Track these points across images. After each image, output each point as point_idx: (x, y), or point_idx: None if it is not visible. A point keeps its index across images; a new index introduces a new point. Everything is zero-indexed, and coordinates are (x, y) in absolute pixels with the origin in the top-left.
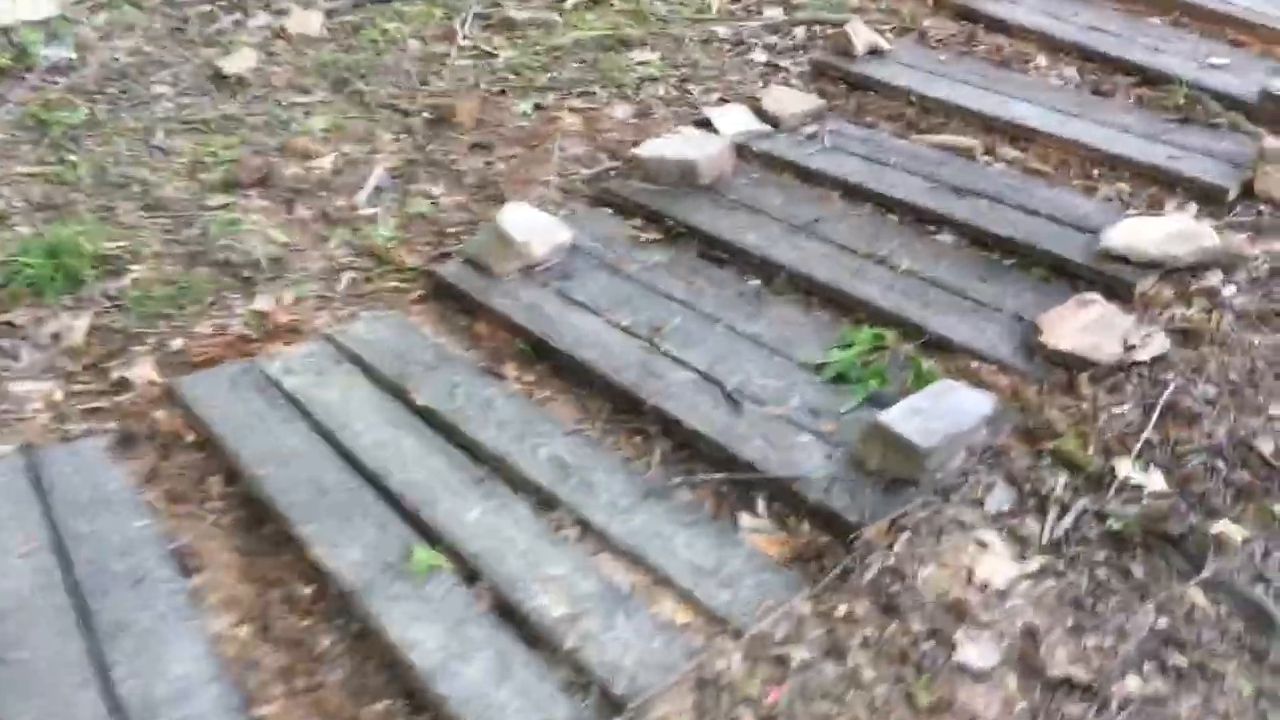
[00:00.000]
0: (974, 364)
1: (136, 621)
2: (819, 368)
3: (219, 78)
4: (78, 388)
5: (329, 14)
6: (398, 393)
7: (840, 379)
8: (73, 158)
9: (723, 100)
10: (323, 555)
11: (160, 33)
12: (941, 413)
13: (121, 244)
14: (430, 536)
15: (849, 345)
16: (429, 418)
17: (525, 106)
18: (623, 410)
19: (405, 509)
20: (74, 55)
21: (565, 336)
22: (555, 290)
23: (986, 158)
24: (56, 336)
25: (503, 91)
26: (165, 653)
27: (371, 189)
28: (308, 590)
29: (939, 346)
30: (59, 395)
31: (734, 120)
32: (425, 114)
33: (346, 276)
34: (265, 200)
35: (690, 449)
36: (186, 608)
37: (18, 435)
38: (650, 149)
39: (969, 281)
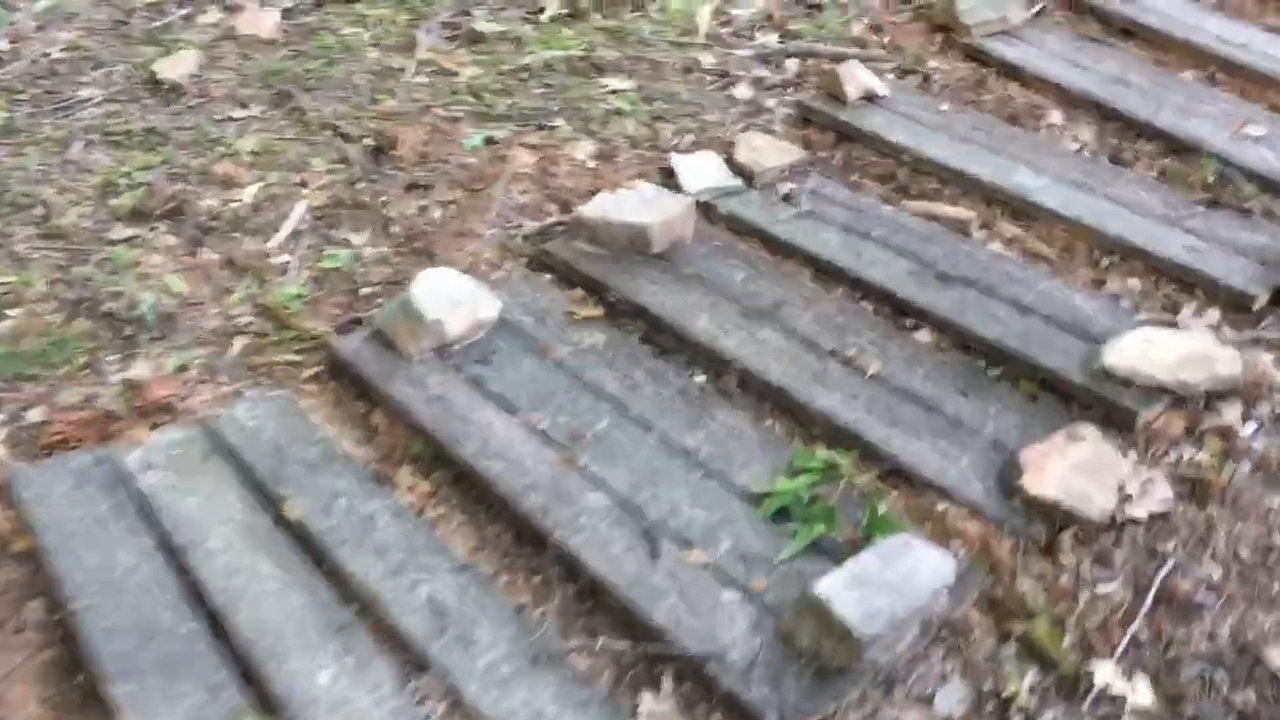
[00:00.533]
0: (941, 504)
1: None
2: (760, 499)
3: (153, 82)
4: None
5: (285, 14)
6: (269, 500)
7: (782, 515)
8: None
9: (696, 145)
10: None
11: (103, 25)
12: (892, 582)
13: (6, 281)
14: (269, 704)
15: (798, 471)
16: (299, 536)
17: (476, 140)
18: (525, 541)
19: (246, 664)
20: (5, 47)
21: (470, 441)
22: (469, 378)
23: (982, 234)
24: None
25: (456, 119)
26: None
27: (289, 233)
28: None
29: (903, 477)
30: None
31: (702, 171)
32: (367, 140)
33: (240, 342)
34: (172, 237)
35: (595, 600)
36: None
37: None
38: (597, 208)
39: (946, 394)
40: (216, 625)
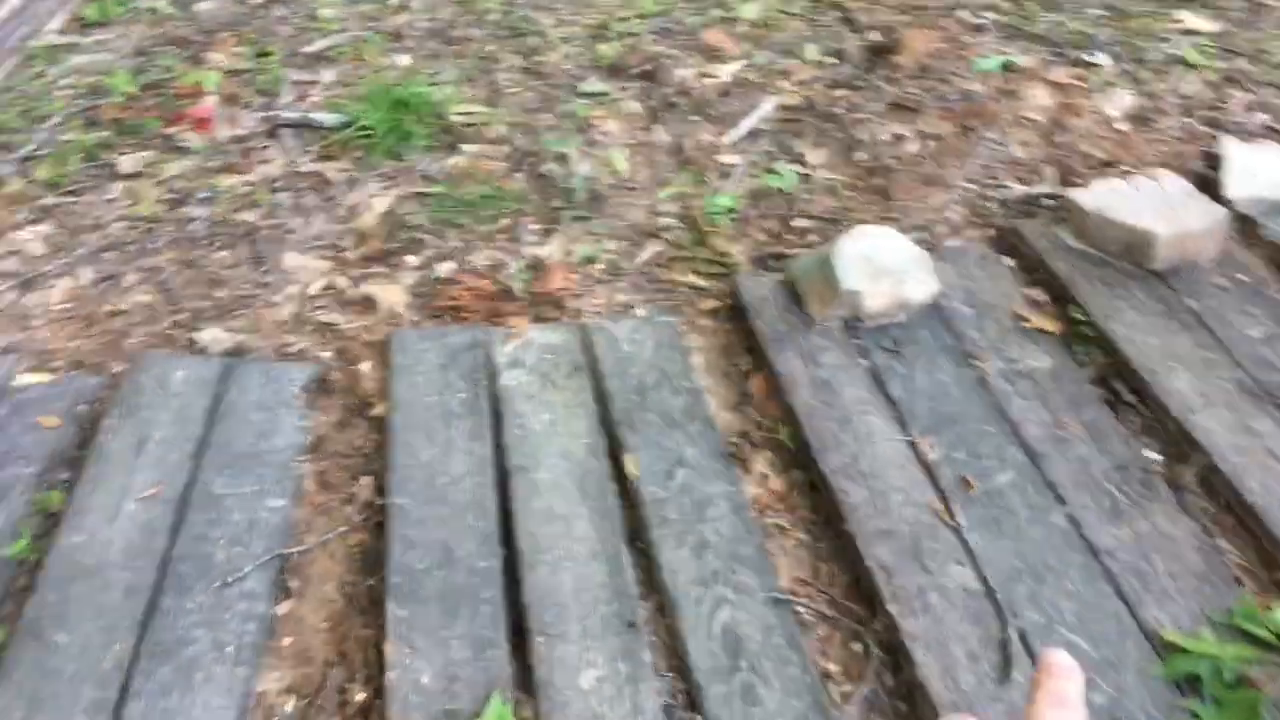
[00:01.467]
0: None
1: (190, 643)
2: (1168, 650)
3: None
4: (336, 284)
5: None
6: (613, 444)
7: (1189, 683)
8: None
9: (1267, 129)
10: (393, 659)
11: None
12: None
13: (474, 112)
14: (527, 684)
15: (1233, 630)
16: (627, 497)
17: (992, 62)
18: (852, 594)
19: (522, 628)
20: None
21: (839, 450)
22: (869, 367)
23: None
24: (353, 210)
25: (979, 28)
26: (194, 700)
27: (747, 130)
28: (362, 695)
29: None
30: (316, 287)
31: (1260, 169)
32: (873, 34)
33: (652, 247)
34: (636, 103)
35: (910, 703)
36: (251, 645)
37: (248, 328)
38: (1097, 195)
39: None
40: (508, 575)
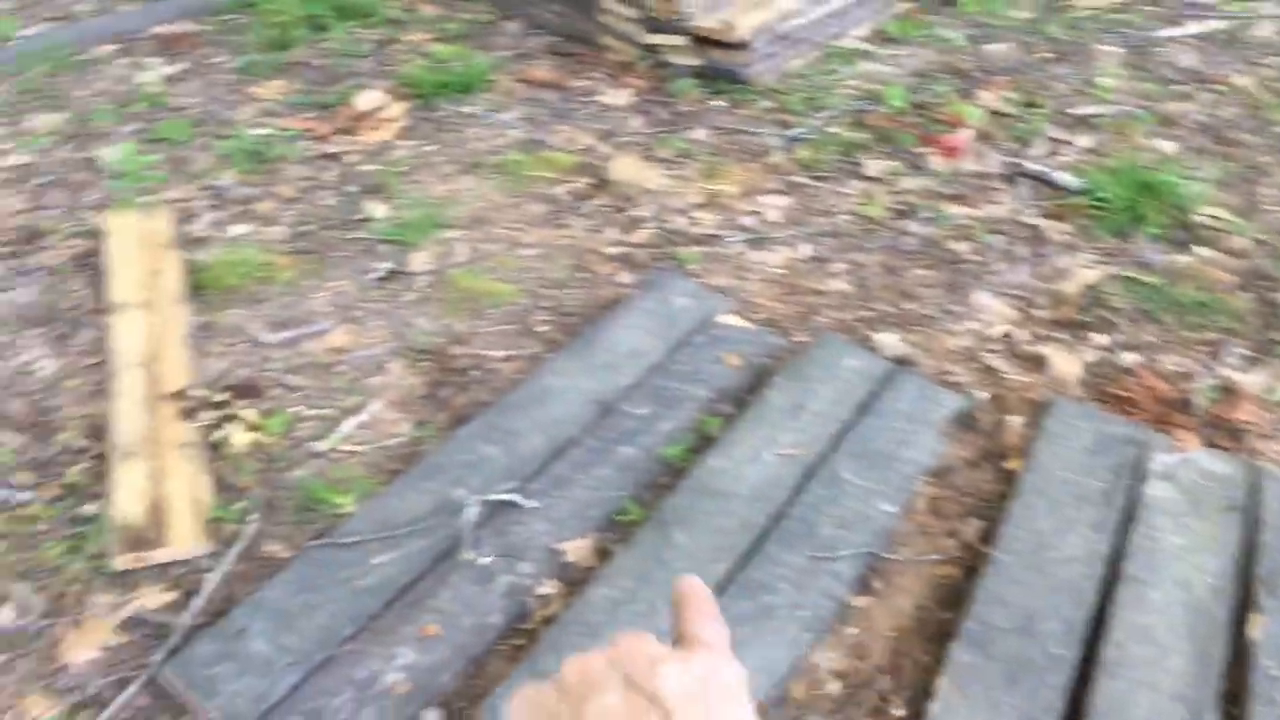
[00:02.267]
0: None
1: (773, 591)
2: None
3: None
4: (1016, 335)
5: None
6: (1242, 598)
7: None
8: None
9: None
10: (942, 695)
11: None
12: None
13: (1220, 218)
14: None
15: None
16: (1237, 654)
17: None
18: None
19: None
20: None
21: None
22: None
23: None
24: (1059, 273)
25: None
26: (758, 642)
27: None
28: (900, 713)
29: None
30: (996, 331)
31: None
32: None
33: None
34: None
35: None
36: (821, 619)
37: (921, 344)
38: None
39: None
40: (1085, 670)
